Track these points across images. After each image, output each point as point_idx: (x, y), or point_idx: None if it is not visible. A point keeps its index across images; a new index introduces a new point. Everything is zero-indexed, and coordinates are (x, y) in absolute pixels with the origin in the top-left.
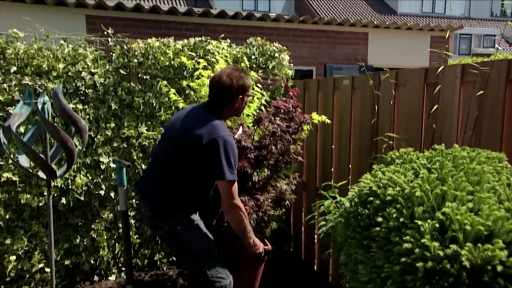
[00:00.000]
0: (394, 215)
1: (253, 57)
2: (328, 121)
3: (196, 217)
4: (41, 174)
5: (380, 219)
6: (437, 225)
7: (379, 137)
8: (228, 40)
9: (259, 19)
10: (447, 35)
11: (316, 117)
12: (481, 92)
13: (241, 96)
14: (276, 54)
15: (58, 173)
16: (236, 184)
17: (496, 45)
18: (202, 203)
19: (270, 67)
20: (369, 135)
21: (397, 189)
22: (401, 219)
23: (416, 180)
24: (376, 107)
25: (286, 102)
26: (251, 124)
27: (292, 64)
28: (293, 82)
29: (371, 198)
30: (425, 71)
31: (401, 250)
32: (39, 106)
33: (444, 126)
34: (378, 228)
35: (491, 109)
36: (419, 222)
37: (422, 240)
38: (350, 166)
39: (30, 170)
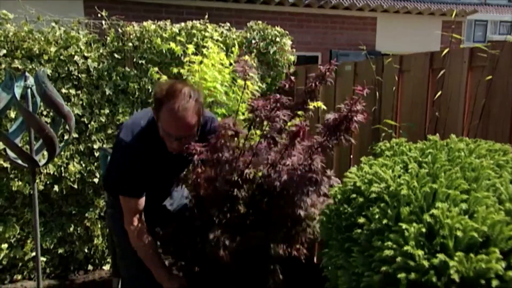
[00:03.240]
0: (377, 216)
1: (253, 41)
2: (324, 107)
3: None
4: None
5: (362, 220)
6: (423, 229)
7: (379, 125)
8: (228, 24)
9: (263, 2)
10: (453, 17)
11: (311, 104)
12: (490, 77)
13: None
14: (278, 39)
15: (41, 162)
16: (132, 203)
17: None
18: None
19: (271, 52)
20: (370, 124)
21: (382, 186)
22: (385, 221)
23: (404, 176)
24: (377, 94)
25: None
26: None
27: (294, 50)
28: (294, 68)
29: (354, 195)
30: (431, 55)
31: (383, 257)
32: (18, 91)
33: (450, 114)
34: (359, 230)
35: (500, 96)
36: (404, 226)
37: (405, 248)
38: (352, 156)
39: (19, 161)
